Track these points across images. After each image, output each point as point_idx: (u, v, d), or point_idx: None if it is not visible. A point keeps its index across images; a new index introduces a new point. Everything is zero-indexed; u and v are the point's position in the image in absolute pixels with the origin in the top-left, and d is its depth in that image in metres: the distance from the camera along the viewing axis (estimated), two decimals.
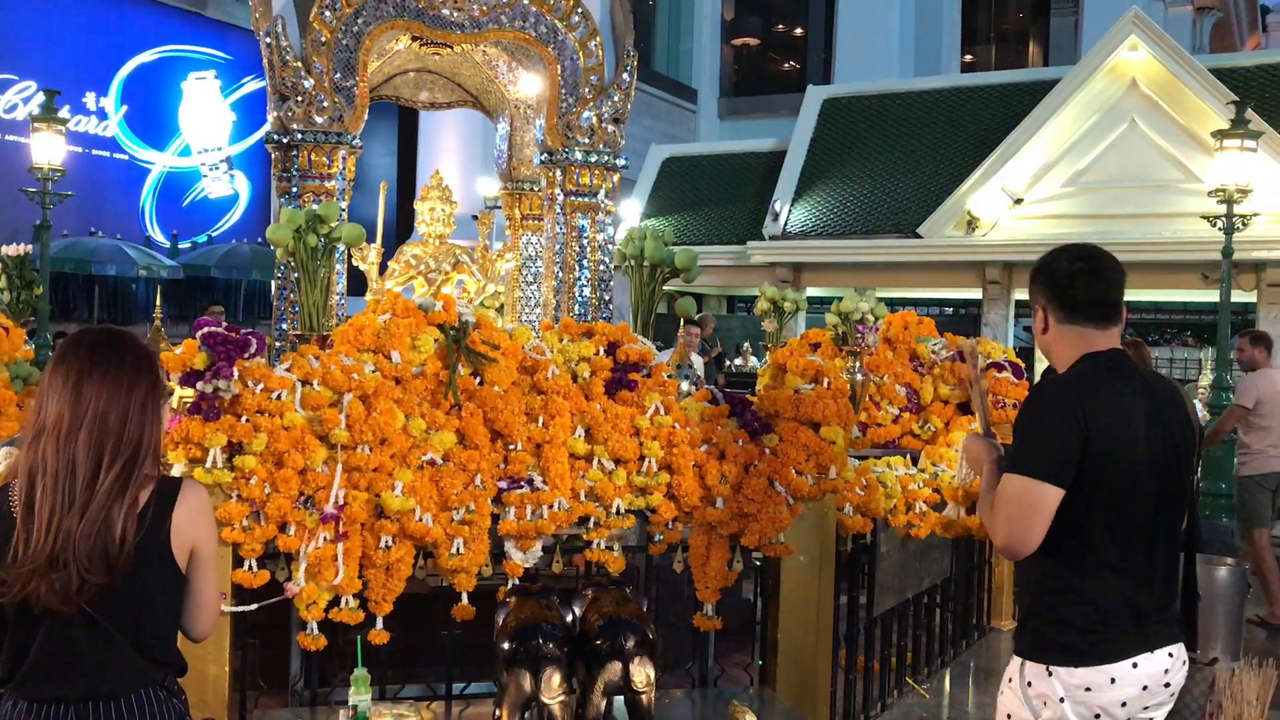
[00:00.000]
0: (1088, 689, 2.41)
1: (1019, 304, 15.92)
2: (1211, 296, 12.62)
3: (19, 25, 18.58)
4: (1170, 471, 2.51)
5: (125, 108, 20.48)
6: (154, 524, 2.14)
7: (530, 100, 6.29)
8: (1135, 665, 2.44)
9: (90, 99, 19.85)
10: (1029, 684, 2.47)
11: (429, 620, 3.75)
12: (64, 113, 11.57)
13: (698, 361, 9.29)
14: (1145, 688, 2.44)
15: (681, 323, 5.91)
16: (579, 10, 5.75)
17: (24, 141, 14.08)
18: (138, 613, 2.15)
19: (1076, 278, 2.54)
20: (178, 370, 3.55)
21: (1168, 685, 2.49)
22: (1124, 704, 2.42)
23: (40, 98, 11.79)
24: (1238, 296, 12.51)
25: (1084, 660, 2.42)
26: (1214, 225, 10.93)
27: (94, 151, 19.89)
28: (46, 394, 2.13)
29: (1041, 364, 17.40)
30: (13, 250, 6.13)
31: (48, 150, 10.83)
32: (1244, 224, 10.85)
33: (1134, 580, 2.47)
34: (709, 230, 17.88)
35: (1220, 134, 10.79)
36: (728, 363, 15.94)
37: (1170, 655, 2.49)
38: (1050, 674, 2.44)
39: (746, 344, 16.57)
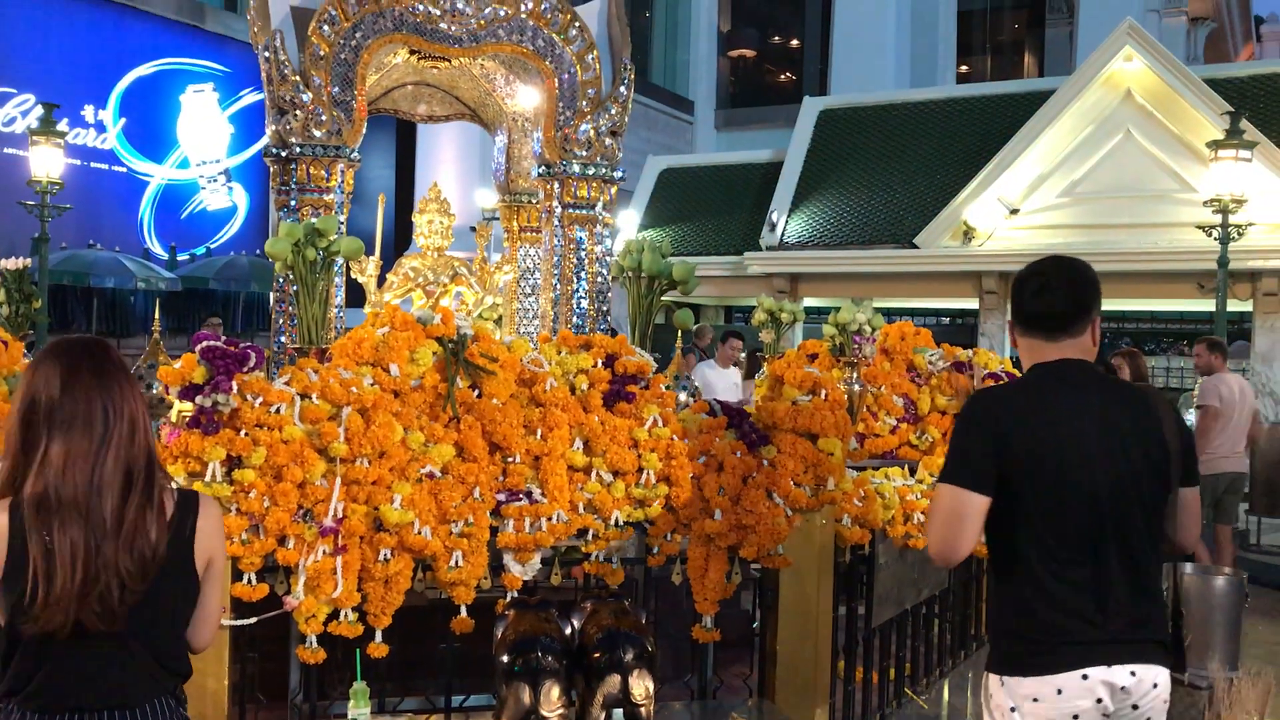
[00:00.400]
0: (1035, 699, 2.41)
1: None
2: (1207, 306, 12.65)
3: (17, 38, 18.62)
4: (1128, 484, 2.44)
5: (124, 120, 20.52)
6: (178, 532, 2.15)
7: (528, 113, 6.32)
8: (1085, 677, 2.39)
9: (89, 112, 19.88)
10: (990, 695, 2.52)
11: (428, 633, 3.75)
12: (62, 125, 11.61)
13: (734, 373, 9.26)
14: (1100, 701, 2.39)
15: (724, 336, 5.88)
16: (576, 24, 5.78)
17: (23, 154, 14.10)
18: (161, 621, 2.15)
19: (1025, 290, 2.60)
20: (177, 384, 3.56)
21: (1136, 708, 2.42)
22: (1076, 716, 2.39)
23: (39, 111, 11.83)
24: (1233, 306, 12.54)
25: (1029, 670, 2.44)
26: (1209, 235, 10.97)
27: (92, 164, 19.92)
28: (47, 418, 2.06)
29: None
30: (11, 264, 6.14)
31: (46, 163, 10.86)
32: (1239, 234, 10.90)
33: (1077, 591, 2.42)
34: (706, 241, 17.92)
35: (1215, 144, 10.84)
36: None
37: (1133, 674, 2.40)
38: (1003, 684, 2.47)
39: (742, 355, 16.58)
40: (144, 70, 20.79)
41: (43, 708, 2.10)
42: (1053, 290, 2.56)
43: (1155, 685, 2.44)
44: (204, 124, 21.67)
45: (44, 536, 2.02)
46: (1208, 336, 8.66)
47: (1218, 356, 8.08)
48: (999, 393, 2.68)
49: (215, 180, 21.96)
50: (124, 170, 20.72)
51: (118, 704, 2.12)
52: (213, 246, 21.86)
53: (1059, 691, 2.40)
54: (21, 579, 2.02)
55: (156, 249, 20.96)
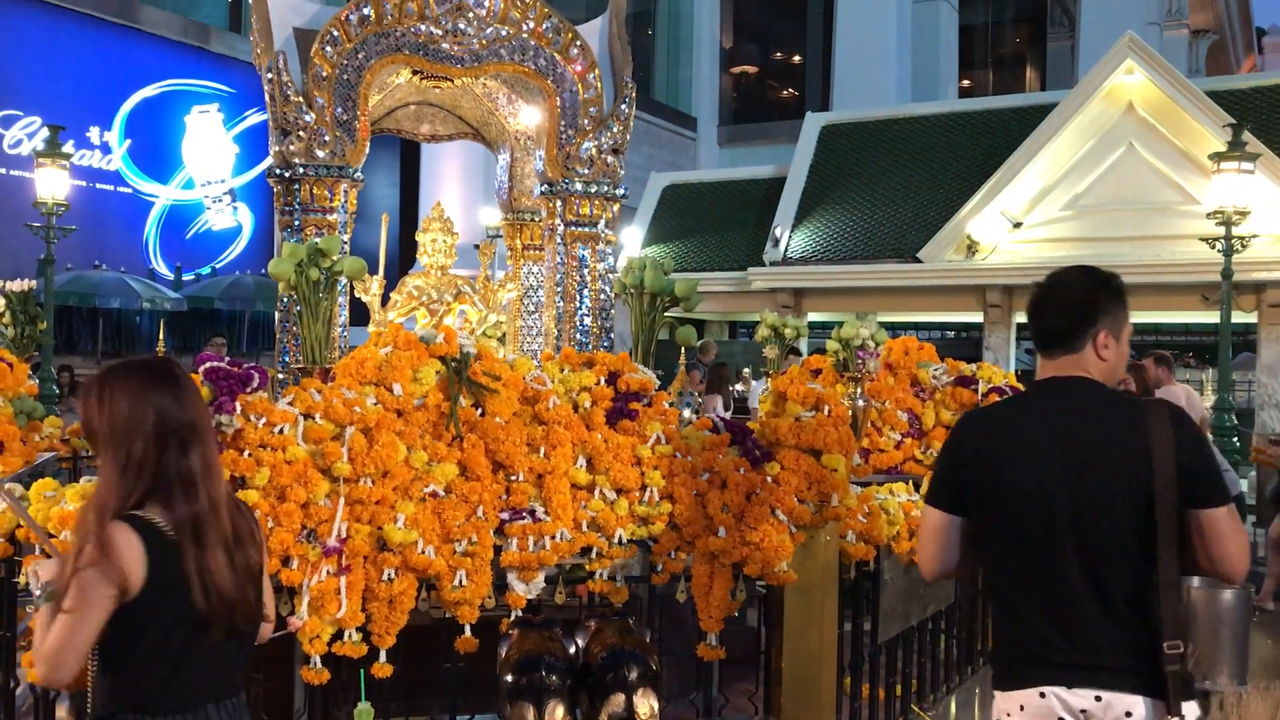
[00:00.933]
0: (1008, 714, 2.44)
1: (1020, 327, 15.93)
2: (1212, 318, 12.63)
3: (24, 61, 18.75)
4: (1095, 504, 2.36)
5: (129, 142, 20.63)
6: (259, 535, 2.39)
7: (530, 132, 6.34)
8: (1042, 695, 2.37)
9: (94, 133, 20.00)
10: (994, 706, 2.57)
11: (432, 652, 3.74)
12: (68, 147, 11.67)
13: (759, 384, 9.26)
14: None
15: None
16: (577, 43, 5.81)
17: (29, 176, 14.18)
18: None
19: (1028, 306, 2.61)
20: None
21: None
22: None
23: (45, 133, 11.88)
24: (1238, 317, 12.52)
25: (1003, 684, 2.47)
26: (1213, 247, 10.96)
27: (98, 185, 20.02)
28: (177, 435, 2.17)
29: None
30: (16, 286, 6.17)
31: (52, 185, 10.90)
32: (1243, 245, 10.89)
33: (1036, 610, 2.41)
34: (710, 257, 17.95)
35: (1218, 156, 10.84)
36: (731, 389, 15.92)
37: (1098, 699, 2.34)
38: (994, 696, 2.52)
39: (747, 370, 16.58)
40: (149, 91, 20.92)
41: (181, 708, 2.20)
42: (1045, 306, 2.56)
43: (1128, 715, 2.33)
44: (209, 145, 21.79)
45: (199, 549, 2.16)
46: (1155, 351, 9.04)
47: (1164, 370, 8.44)
48: (975, 412, 2.71)
49: (220, 200, 22.06)
50: (129, 191, 20.82)
51: (232, 693, 2.30)
52: (218, 266, 21.95)
53: (1021, 708, 2.40)
54: (175, 593, 2.13)
55: (162, 269, 21.04)
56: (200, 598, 2.14)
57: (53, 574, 2.16)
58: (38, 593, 2.27)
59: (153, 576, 2.10)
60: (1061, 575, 2.39)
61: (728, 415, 9.02)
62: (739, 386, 16.62)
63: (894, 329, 14.15)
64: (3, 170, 18.56)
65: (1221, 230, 10.69)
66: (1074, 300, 2.54)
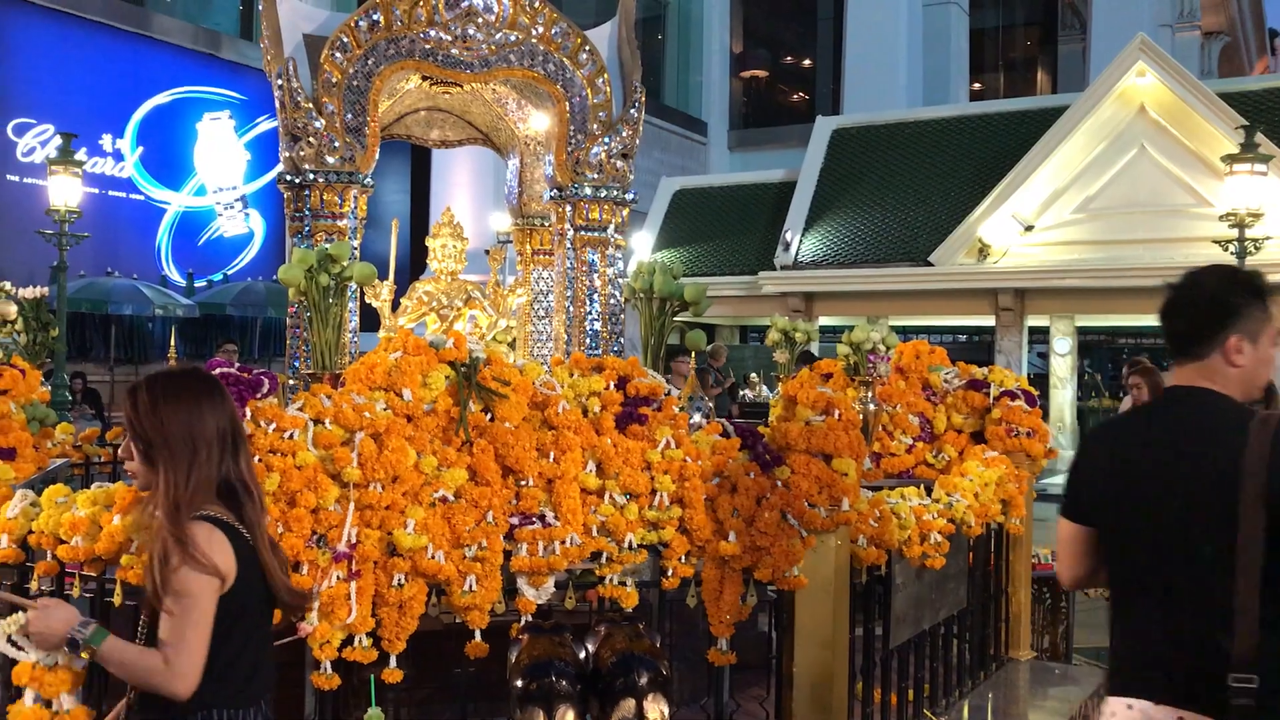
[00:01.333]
0: (1112, 712, 2.45)
1: (1032, 330, 15.89)
2: None
3: (37, 70, 18.85)
4: (1191, 517, 2.27)
5: (141, 149, 20.71)
6: None
7: (540, 137, 6.34)
8: (1130, 706, 2.37)
9: (106, 140, 20.08)
10: None
11: (442, 658, 3.74)
12: (80, 155, 11.72)
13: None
14: None
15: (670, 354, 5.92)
16: (587, 48, 5.81)
17: (42, 184, 14.25)
18: None
19: (1160, 309, 2.48)
20: None
21: None
22: None
23: (57, 141, 11.94)
24: None
25: (1108, 689, 2.50)
26: (1226, 249, 10.91)
27: (110, 192, 20.10)
28: (232, 439, 2.35)
29: (1055, 391, 17.29)
30: (29, 293, 6.19)
31: (64, 192, 10.96)
32: (1256, 248, 10.84)
33: (1138, 620, 2.41)
34: (720, 261, 17.94)
35: (1230, 158, 10.80)
36: (742, 393, 15.93)
37: (1179, 719, 2.29)
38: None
39: (754, 375, 16.57)
40: (161, 99, 21.01)
41: (258, 697, 2.36)
42: (1172, 308, 2.43)
43: None
44: (220, 151, 21.87)
45: (262, 545, 2.34)
46: (1135, 359, 9.52)
47: (1137, 376, 9.00)
48: (1103, 424, 2.75)
49: (232, 207, 22.14)
50: (141, 198, 20.90)
51: (273, 685, 2.47)
52: (230, 273, 22.01)
53: (1113, 714, 2.41)
54: (257, 586, 2.31)
55: (174, 276, 21.11)
56: (280, 590, 2.36)
57: (39, 625, 2.27)
58: (72, 641, 2.27)
59: (240, 571, 2.25)
60: (1155, 591, 2.35)
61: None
62: (747, 392, 16.62)
63: (905, 333, 14.13)
64: (16, 178, 18.66)
65: (1234, 233, 10.65)
66: (1201, 301, 2.39)
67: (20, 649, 2.34)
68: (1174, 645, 2.32)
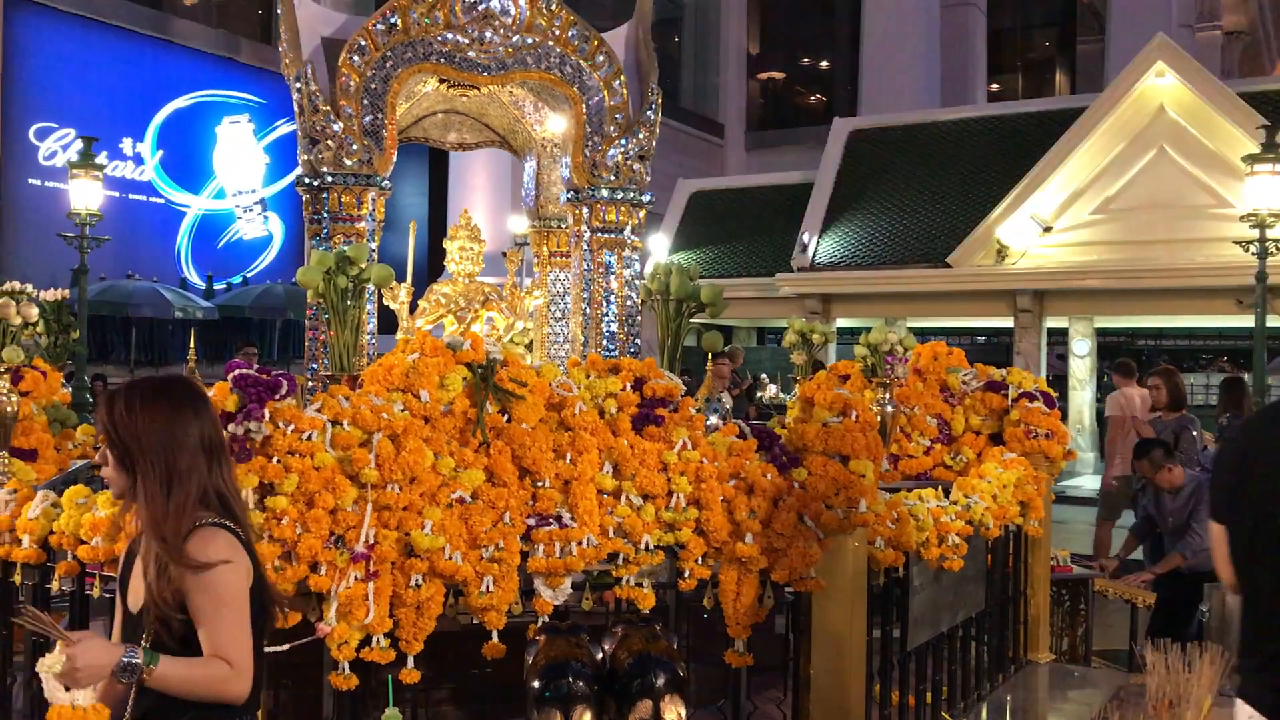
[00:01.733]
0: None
1: (1051, 332, 15.81)
2: (1246, 322, 12.47)
3: (58, 74, 19.00)
4: (1274, 522, 2.34)
5: (161, 152, 20.86)
6: None
7: (557, 139, 6.35)
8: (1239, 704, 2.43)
9: (127, 144, 20.24)
10: None
11: (460, 659, 3.75)
12: (101, 158, 11.81)
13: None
14: None
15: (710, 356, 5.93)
16: (603, 50, 5.82)
17: (63, 188, 14.36)
18: None
19: None
20: None
21: None
22: None
23: (79, 144, 12.03)
24: (1273, 321, 12.36)
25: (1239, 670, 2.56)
26: (1246, 250, 10.83)
27: (130, 196, 20.25)
28: (220, 448, 2.32)
29: (1074, 392, 17.18)
30: (50, 295, 6.23)
31: (85, 196, 11.03)
32: (1277, 249, 10.75)
33: (1248, 619, 2.48)
34: (737, 263, 17.92)
35: (1251, 158, 10.72)
36: (760, 394, 15.93)
37: (1250, 717, 2.35)
38: None
39: (764, 376, 16.55)
40: (181, 103, 21.15)
41: (259, 703, 2.35)
42: None
43: None
44: (240, 155, 22.01)
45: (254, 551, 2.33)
46: (1120, 360, 10.43)
47: (1120, 375, 10.05)
48: (1239, 424, 2.79)
49: (251, 210, 22.26)
50: (161, 201, 21.05)
51: None
52: (249, 275, 22.14)
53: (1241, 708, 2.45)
54: (262, 591, 2.31)
55: (194, 278, 21.25)
56: (272, 589, 2.37)
57: (85, 659, 2.06)
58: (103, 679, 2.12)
59: (255, 570, 2.27)
60: (1256, 588, 2.44)
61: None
62: (761, 392, 16.60)
63: (923, 334, 14.08)
64: (38, 182, 18.81)
65: (1255, 233, 10.57)
66: None
67: (67, 689, 2.11)
68: (1259, 638, 2.44)
